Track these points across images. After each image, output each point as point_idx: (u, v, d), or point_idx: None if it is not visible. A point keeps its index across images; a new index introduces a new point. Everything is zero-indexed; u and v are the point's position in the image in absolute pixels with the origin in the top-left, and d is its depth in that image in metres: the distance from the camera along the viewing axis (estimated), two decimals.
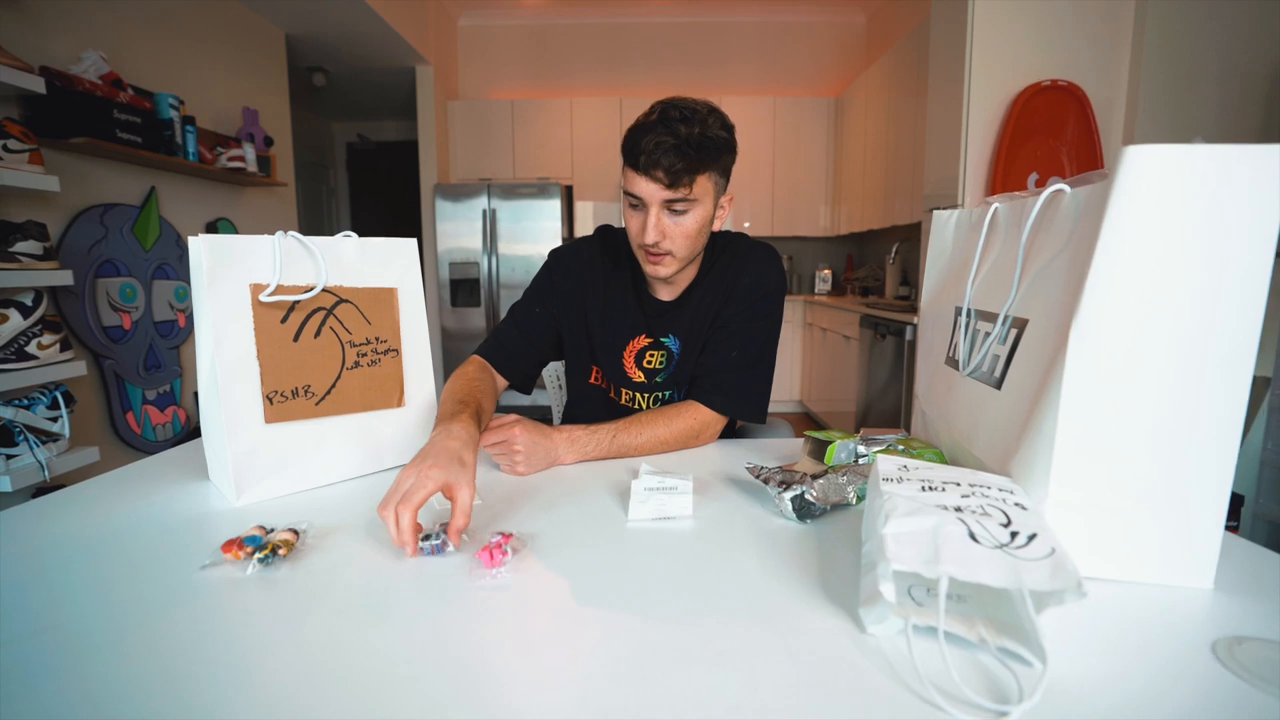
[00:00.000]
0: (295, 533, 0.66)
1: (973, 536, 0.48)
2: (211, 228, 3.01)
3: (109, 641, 0.49)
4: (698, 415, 1.01)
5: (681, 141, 0.90)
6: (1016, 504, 0.54)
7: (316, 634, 0.50)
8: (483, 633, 0.50)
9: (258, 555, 0.61)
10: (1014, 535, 0.48)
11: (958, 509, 0.52)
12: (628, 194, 0.97)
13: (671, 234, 0.96)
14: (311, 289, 0.82)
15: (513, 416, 0.90)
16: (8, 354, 1.84)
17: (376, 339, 0.89)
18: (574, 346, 1.15)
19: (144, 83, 2.55)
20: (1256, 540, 1.78)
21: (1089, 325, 0.54)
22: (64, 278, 1.98)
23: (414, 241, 0.95)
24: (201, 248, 0.74)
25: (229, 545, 0.62)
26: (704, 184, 0.95)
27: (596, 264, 1.12)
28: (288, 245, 0.81)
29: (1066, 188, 0.64)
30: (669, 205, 0.95)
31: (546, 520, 0.74)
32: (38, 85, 1.92)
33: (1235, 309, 0.50)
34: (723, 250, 1.11)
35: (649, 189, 0.93)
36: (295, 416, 0.81)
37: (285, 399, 0.79)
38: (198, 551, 0.64)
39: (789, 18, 4.81)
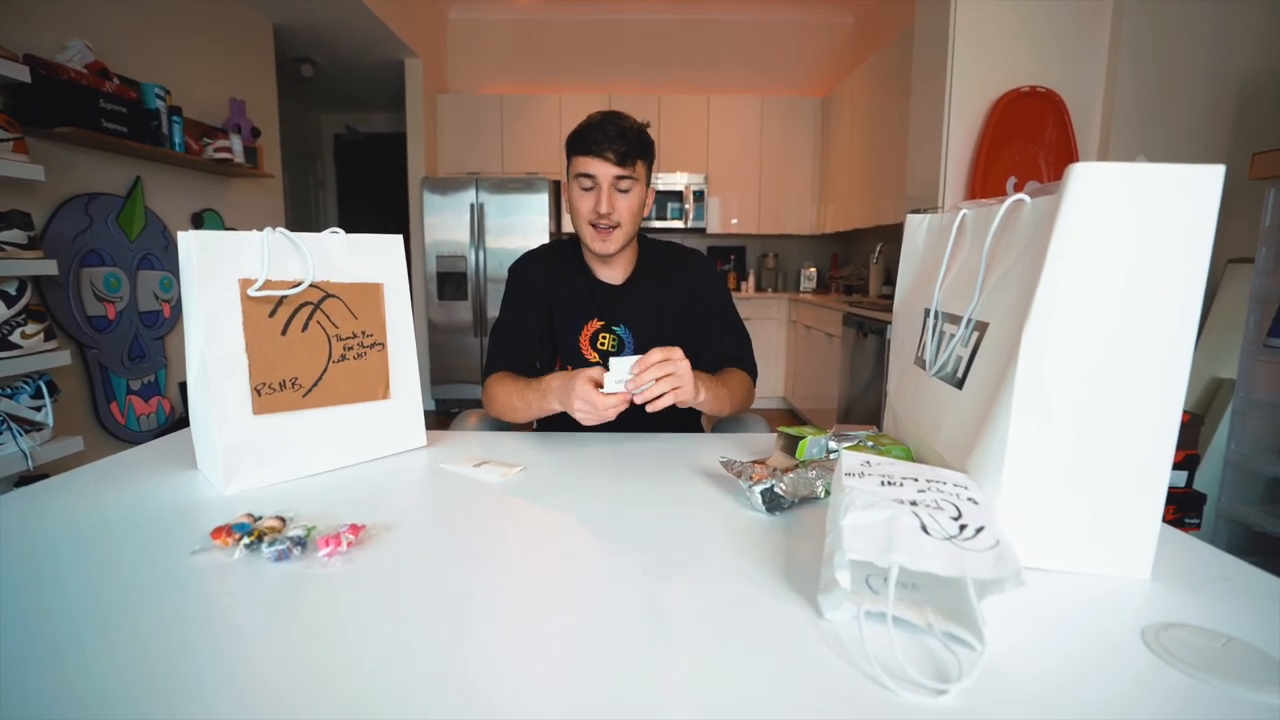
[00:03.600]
0: (282, 520, 0.68)
1: (924, 529, 0.51)
2: (197, 218, 2.99)
3: (106, 622, 0.51)
4: (746, 377, 1.24)
5: (625, 130, 1.12)
6: (969, 499, 0.57)
7: (299, 614, 0.53)
8: (466, 619, 0.53)
9: (244, 541, 0.63)
10: (963, 528, 0.52)
11: (913, 503, 0.55)
12: (580, 176, 1.15)
13: (619, 208, 1.15)
14: (299, 284, 0.84)
15: (677, 352, 0.94)
16: None
17: (363, 333, 0.91)
18: (544, 340, 1.28)
19: (130, 72, 2.53)
20: (1219, 538, 1.85)
21: (1039, 330, 0.57)
22: (48, 267, 1.97)
23: (400, 238, 0.97)
24: (191, 243, 0.76)
25: (218, 532, 0.64)
26: (640, 169, 1.16)
27: (549, 263, 1.29)
28: (276, 241, 0.83)
29: (1026, 198, 0.68)
30: (617, 182, 1.14)
31: (518, 511, 0.76)
32: (23, 74, 1.91)
33: (1172, 317, 0.54)
34: (660, 252, 1.31)
35: (602, 168, 1.13)
36: (283, 408, 0.83)
37: (273, 391, 0.81)
38: (188, 538, 0.66)
39: (778, 17, 4.84)
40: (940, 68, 2.51)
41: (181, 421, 2.87)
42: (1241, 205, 2.20)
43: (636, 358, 0.92)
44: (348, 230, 0.90)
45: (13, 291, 1.89)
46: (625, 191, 1.15)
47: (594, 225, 1.16)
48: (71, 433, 2.10)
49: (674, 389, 0.92)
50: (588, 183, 1.14)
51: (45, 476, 2.04)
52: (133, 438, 2.61)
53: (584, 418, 0.95)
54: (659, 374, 0.91)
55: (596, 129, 1.12)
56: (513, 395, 1.10)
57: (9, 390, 1.92)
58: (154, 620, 0.52)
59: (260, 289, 0.80)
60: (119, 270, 2.55)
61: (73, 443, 2.05)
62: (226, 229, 3.17)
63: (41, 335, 1.98)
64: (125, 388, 2.60)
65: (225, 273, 0.79)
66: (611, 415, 0.94)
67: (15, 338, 1.91)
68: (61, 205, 2.31)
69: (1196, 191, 0.52)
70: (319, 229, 0.88)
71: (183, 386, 2.90)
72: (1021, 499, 0.60)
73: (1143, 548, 0.57)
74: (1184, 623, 0.50)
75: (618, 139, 1.11)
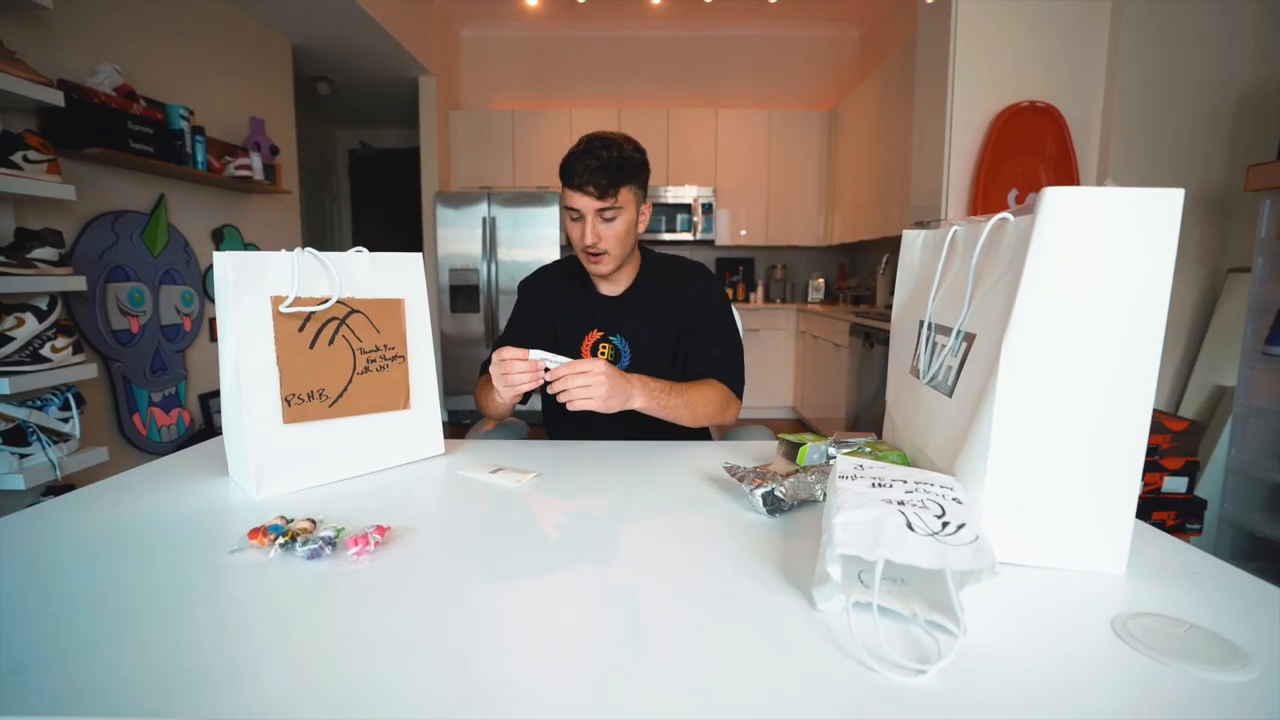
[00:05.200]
0: (313, 522, 0.73)
1: (910, 526, 0.56)
2: (217, 234, 3.08)
3: (155, 613, 0.56)
4: (721, 388, 1.24)
5: (604, 163, 1.16)
6: (954, 499, 0.61)
7: (333, 607, 0.57)
8: (487, 604, 0.57)
9: (279, 541, 0.68)
10: (945, 524, 0.56)
11: (900, 503, 0.59)
12: (568, 209, 1.21)
13: (605, 236, 1.20)
14: (326, 300, 0.89)
15: (597, 361, 1.02)
16: (23, 356, 1.90)
17: (385, 346, 0.96)
18: (548, 350, 1.30)
19: (156, 94, 2.63)
20: (1221, 544, 1.87)
21: (1017, 341, 0.61)
22: (78, 283, 2.05)
23: (419, 256, 1.03)
24: (228, 263, 0.81)
25: (254, 533, 0.69)
26: (626, 194, 1.20)
27: (553, 280, 1.38)
28: (304, 260, 0.88)
29: (1010, 217, 0.72)
30: (601, 213, 1.19)
31: (532, 514, 0.81)
32: (56, 99, 1.99)
33: (1139, 328, 0.58)
34: (661, 266, 1.36)
35: (584, 202, 1.18)
36: (311, 417, 0.88)
37: (302, 401, 0.87)
38: (225, 538, 0.71)
39: (785, 32, 4.91)
40: (942, 83, 2.56)
41: (201, 433, 2.94)
42: (1242, 216, 2.23)
43: (563, 360, 1.02)
44: (361, 243, 0.96)
45: (44, 307, 1.96)
46: (610, 220, 1.19)
47: (585, 252, 1.23)
48: (96, 444, 2.17)
49: (585, 398, 1.00)
50: (575, 214, 1.20)
51: (72, 486, 2.10)
52: (154, 449, 2.68)
53: (498, 382, 1.02)
54: (572, 384, 0.99)
55: (578, 161, 1.16)
56: (486, 388, 1.20)
57: (39, 402, 1.99)
58: (201, 610, 0.56)
59: (291, 305, 0.85)
60: (142, 285, 2.63)
61: (98, 453, 2.11)
62: (245, 244, 3.26)
63: (70, 349, 2.05)
64: (147, 400, 2.67)
65: (258, 290, 0.84)
66: (518, 382, 1.01)
67: (45, 351, 1.98)
68: (89, 223, 2.39)
69: (1158, 212, 0.56)
70: (333, 243, 0.95)
71: (202, 399, 2.98)
72: (1004, 499, 0.64)
73: (1117, 545, 0.61)
74: (1151, 612, 0.54)
75: (598, 172, 1.15)
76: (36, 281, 1.93)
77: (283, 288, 0.86)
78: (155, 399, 2.71)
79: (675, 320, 1.30)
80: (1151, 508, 1.75)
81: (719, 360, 1.29)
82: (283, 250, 0.87)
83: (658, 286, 1.33)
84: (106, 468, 2.14)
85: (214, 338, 3.07)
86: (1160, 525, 1.57)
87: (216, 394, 3.06)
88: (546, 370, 1.02)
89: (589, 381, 0.99)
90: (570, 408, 1.00)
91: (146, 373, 2.66)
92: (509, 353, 1.01)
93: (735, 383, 1.28)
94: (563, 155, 1.21)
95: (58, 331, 2.01)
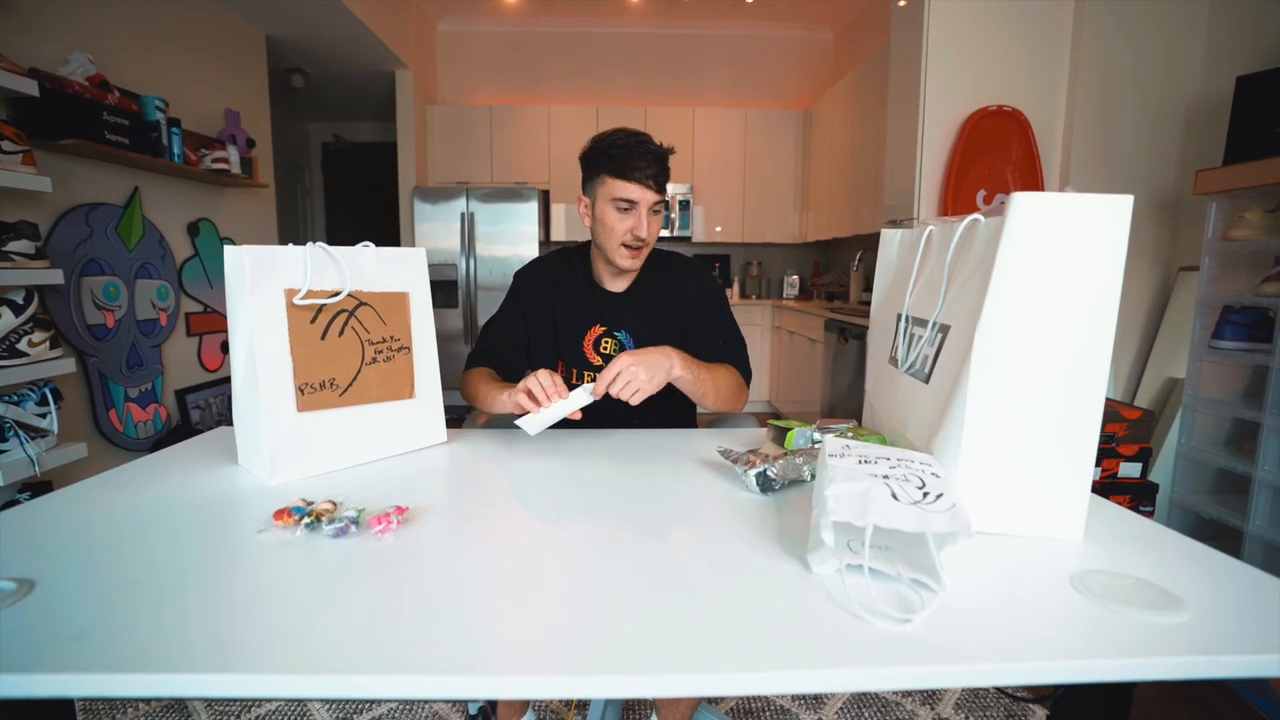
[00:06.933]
0: (333, 503, 0.77)
1: (894, 496, 0.62)
2: (193, 228, 3.04)
3: (197, 586, 0.59)
4: (737, 374, 1.29)
5: (661, 157, 1.20)
6: (932, 473, 0.67)
7: (365, 578, 0.61)
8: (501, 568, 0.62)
9: (305, 521, 0.72)
10: (925, 494, 0.62)
11: (885, 477, 0.66)
12: (619, 200, 1.20)
13: (652, 228, 1.24)
14: (338, 293, 0.92)
15: (620, 357, 1.04)
16: (0, 351, 1.88)
17: (391, 338, 1.00)
18: (542, 346, 1.36)
19: (128, 84, 2.59)
20: (1171, 524, 1.99)
21: (988, 332, 0.68)
22: (55, 276, 2.02)
23: (423, 251, 1.06)
24: (244, 256, 0.84)
25: (280, 514, 0.73)
26: (667, 190, 1.24)
27: (552, 273, 1.37)
28: (315, 254, 0.91)
29: (981, 219, 0.79)
30: (654, 206, 1.22)
31: (540, 493, 0.86)
32: (31, 88, 1.96)
33: (1094, 320, 0.65)
34: (660, 261, 1.38)
35: (643, 194, 1.19)
36: (322, 406, 0.91)
37: (315, 390, 0.90)
38: (248, 520, 0.74)
39: (761, 32, 4.99)
40: (914, 86, 2.66)
41: (179, 429, 2.91)
42: (1192, 218, 2.37)
43: (591, 385, 1.04)
44: (333, 238, 0.99)
45: (20, 300, 1.94)
46: (657, 213, 1.23)
47: (627, 245, 1.23)
48: (73, 439, 2.14)
49: (635, 390, 1.02)
50: (626, 205, 1.20)
51: (50, 483, 2.07)
52: (131, 445, 2.64)
53: (524, 400, 1.03)
54: (617, 385, 1.02)
55: (636, 154, 1.17)
56: (479, 381, 1.22)
57: (15, 397, 1.96)
58: (241, 582, 0.60)
59: (304, 298, 0.89)
60: (117, 279, 2.59)
61: (77, 449, 2.09)
62: (222, 238, 3.22)
63: (47, 343, 2.02)
64: (124, 395, 2.64)
65: (272, 283, 0.87)
66: (540, 391, 1.02)
67: (23, 346, 1.95)
68: (63, 215, 2.35)
69: (1111, 216, 0.63)
70: (305, 237, 0.97)
71: (179, 394, 2.95)
72: (977, 475, 0.70)
73: (1075, 513, 0.68)
74: (1103, 569, 0.61)
75: (656, 164, 1.18)
76: (12, 275, 1.90)
77: (295, 280, 0.89)
78: (132, 395, 2.68)
79: (676, 314, 1.34)
80: (1109, 491, 1.86)
81: (726, 351, 1.33)
82: (290, 245, 0.90)
83: (658, 281, 1.35)
84: (86, 463, 2.11)
85: (190, 333, 3.04)
86: None
87: (193, 389, 3.02)
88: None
89: (627, 378, 1.02)
90: (633, 401, 1.03)
91: (123, 368, 2.62)
92: (548, 381, 1.02)
93: (745, 371, 1.33)
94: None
95: (34, 326, 1.98)
